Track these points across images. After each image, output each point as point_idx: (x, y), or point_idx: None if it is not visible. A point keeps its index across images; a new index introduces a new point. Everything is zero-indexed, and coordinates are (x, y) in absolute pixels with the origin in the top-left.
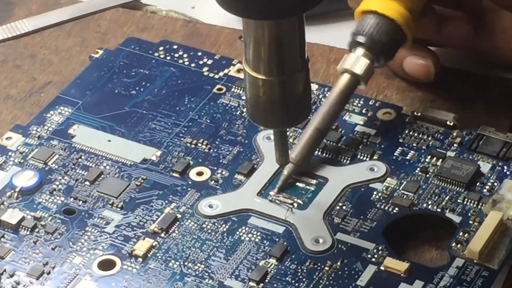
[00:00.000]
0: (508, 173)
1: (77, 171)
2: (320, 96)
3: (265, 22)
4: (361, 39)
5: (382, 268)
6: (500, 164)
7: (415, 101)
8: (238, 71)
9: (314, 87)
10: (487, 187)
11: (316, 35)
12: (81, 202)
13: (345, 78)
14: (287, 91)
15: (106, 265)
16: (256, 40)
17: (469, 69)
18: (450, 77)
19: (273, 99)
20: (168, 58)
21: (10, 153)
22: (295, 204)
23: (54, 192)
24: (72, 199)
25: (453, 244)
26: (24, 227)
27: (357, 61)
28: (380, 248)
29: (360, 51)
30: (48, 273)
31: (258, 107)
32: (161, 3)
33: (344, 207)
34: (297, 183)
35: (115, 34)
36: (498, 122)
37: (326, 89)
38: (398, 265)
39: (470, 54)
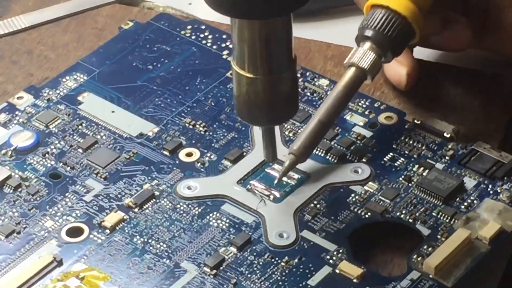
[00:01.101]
0: (491, 192)
1: (74, 137)
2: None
3: (251, 22)
4: (369, 33)
5: (337, 270)
6: (485, 182)
7: (411, 98)
8: None
9: None
10: (465, 204)
11: (313, 31)
12: (69, 168)
13: (351, 72)
14: (273, 90)
15: (75, 232)
16: (242, 39)
17: (466, 65)
18: (447, 73)
19: (259, 97)
20: (193, 37)
21: (17, 112)
22: (272, 196)
23: (47, 155)
24: (61, 164)
25: (414, 256)
26: (8, 185)
27: (364, 56)
28: (341, 250)
29: (367, 45)
30: (18, 233)
31: (243, 104)
32: None
33: (318, 206)
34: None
35: (112, 30)
36: (495, 117)
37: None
38: (352, 270)
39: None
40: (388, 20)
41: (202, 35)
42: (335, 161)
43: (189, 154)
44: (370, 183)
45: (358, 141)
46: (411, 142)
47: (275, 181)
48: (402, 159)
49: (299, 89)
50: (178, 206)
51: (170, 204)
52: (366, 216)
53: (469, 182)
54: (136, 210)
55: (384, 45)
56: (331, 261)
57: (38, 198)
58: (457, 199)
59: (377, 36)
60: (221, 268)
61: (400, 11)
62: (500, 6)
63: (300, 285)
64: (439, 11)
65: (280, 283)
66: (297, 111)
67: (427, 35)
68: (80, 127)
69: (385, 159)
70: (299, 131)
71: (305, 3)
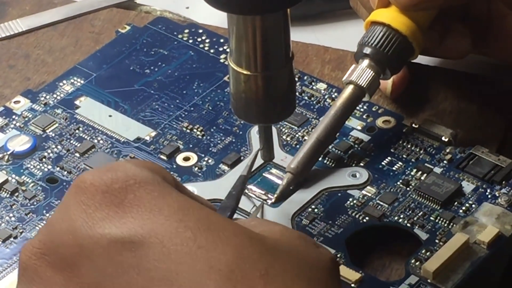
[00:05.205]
0: (489, 196)
1: (71, 141)
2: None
3: (247, 17)
4: (367, 50)
5: None
6: (484, 186)
7: (409, 102)
8: None
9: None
10: (463, 208)
11: (311, 35)
12: (66, 172)
13: (350, 89)
14: (270, 87)
15: None
16: (239, 35)
17: (464, 69)
18: (445, 77)
19: (255, 94)
20: (191, 41)
21: (14, 116)
22: (269, 201)
23: (44, 159)
24: (58, 168)
25: (412, 261)
26: (5, 190)
27: (363, 73)
28: (338, 255)
29: (366, 62)
30: (15, 237)
31: (240, 102)
32: (155, 3)
33: (315, 210)
34: (278, 180)
35: (109, 34)
36: (494, 122)
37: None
38: (350, 274)
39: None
40: (387, 38)
41: (199, 39)
42: (333, 165)
43: (186, 159)
44: (368, 187)
45: (356, 145)
46: (409, 146)
47: (272, 201)
48: (400, 163)
49: (297, 93)
50: None
51: None
52: (364, 220)
53: (467, 186)
54: None
55: (382, 63)
56: None
57: (35, 203)
58: (455, 203)
59: (376, 53)
60: None
61: (399, 29)
62: (503, 14)
63: None
64: (437, 25)
65: None
66: (294, 109)
67: (425, 49)
68: (77, 131)
69: (383, 163)
70: (297, 135)
71: None
